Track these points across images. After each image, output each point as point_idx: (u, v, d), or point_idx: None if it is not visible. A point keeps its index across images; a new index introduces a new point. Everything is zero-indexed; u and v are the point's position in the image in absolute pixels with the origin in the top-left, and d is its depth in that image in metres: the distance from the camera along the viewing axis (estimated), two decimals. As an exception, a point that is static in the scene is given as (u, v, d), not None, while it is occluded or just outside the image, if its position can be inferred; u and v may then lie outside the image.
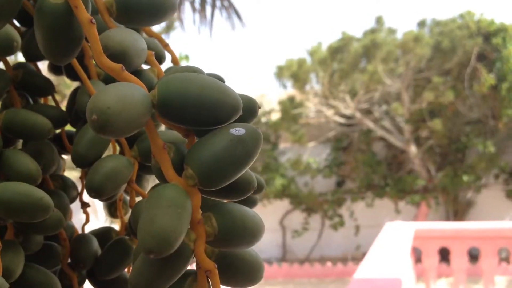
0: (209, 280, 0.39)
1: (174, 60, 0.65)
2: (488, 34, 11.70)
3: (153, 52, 0.47)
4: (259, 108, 0.44)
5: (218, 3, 6.05)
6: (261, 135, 0.39)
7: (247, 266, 0.42)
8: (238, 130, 0.38)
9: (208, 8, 6.02)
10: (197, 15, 6.05)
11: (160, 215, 0.35)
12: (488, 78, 11.25)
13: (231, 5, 6.09)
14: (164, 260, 0.37)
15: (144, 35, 0.64)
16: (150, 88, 0.40)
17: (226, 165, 0.37)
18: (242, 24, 6.25)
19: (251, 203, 0.55)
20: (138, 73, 0.45)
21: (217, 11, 6.06)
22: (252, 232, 0.40)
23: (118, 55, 0.40)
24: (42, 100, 0.64)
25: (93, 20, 0.39)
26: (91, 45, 0.39)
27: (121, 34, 0.41)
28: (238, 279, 0.42)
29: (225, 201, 0.42)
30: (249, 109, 0.43)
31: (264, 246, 13.03)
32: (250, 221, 0.40)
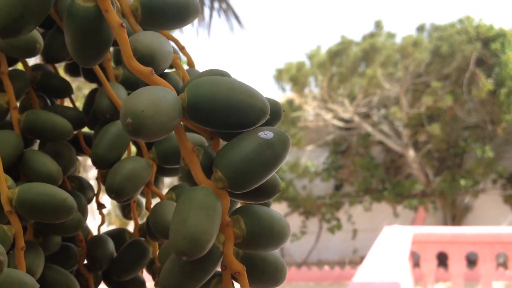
0: (237, 281, 0.39)
1: (190, 63, 0.65)
2: (487, 39, 11.73)
3: (178, 56, 0.48)
4: (284, 111, 0.45)
5: (216, 5, 6.06)
6: (289, 138, 0.39)
7: (271, 268, 0.43)
8: (267, 134, 0.38)
9: (206, 10, 6.03)
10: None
11: (192, 217, 0.35)
12: (487, 83, 11.28)
13: (229, 7, 6.10)
14: (194, 262, 0.37)
15: (168, 41, 0.65)
16: (176, 91, 0.40)
17: (255, 168, 0.38)
18: (241, 26, 6.26)
19: (266, 206, 0.56)
20: (164, 76, 0.45)
21: (215, 13, 6.07)
22: (279, 234, 0.40)
23: (147, 58, 0.41)
24: (58, 102, 0.65)
25: (124, 24, 0.39)
26: (121, 49, 0.39)
27: (149, 38, 0.42)
28: (262, 281, 0.43)
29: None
30: (275, 112, 0.43)
31: (261, 249, 12.99)
32: (277, 223, 0.40)
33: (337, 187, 13.24)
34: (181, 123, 0.38)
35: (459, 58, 11.68)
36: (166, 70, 0.54)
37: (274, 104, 0.43)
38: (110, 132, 0.56)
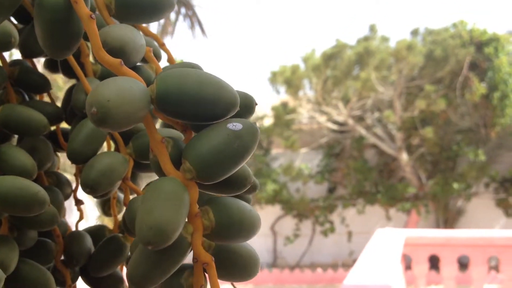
0: (206, 273, 0.39)
1: (170, 60, 0.65)
2: (480, 43, 11.79)
3: (151, 48, 0.48)
4: (256, 104, 0.45)
5: (182, 11, 6.09)
6: (258, 130, 0.39)
7: (243, 260, 0.43)
8: (235, 125, 0.38)
9: (172, 15, 6.05)
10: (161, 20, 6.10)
11: (158, 207, 0.35)
12: (480, 87, 11.34)
13: (194, 14, 6.12)
14: (161, 252, 0.37)
15: (141, 34, 0.65)
16: (148, 83, 0.40)
17: (223, 159, 0.38)
18: (204, 35, 6.29)
19: (245, 201, 0.55)
20: (136, 68, 0.45)
21: (180, 18, 6.09)
22: (248, 226, 0.40)
23: (117, 50, 0.41)
24: (37, 97, 0.65)
25: (93, 16, 0.39)
26: (91, 40, 0.39)
27: (120, 30, 0.42)
28: (234, 274, 0.42)
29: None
30: (246, 105, 0.43)
31: (255, 252, 12.99)
32: (247, 215, 0.40)
33: (331, 190, 13.25)
34: (150, 114, 0.38)
35: (453, 62, 11.73)
36: (141, 64, 0.54)
37: (245, 97, 0.43)
38: (86, 126, 0.56)
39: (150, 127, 0.39)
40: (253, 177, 0.45)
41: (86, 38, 0.46)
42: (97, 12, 0.47)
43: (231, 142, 0.38)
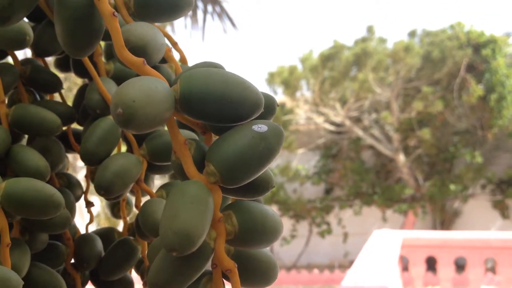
0: (228, 279, 0.38)
1: (183, 59, 0.64)
2: (478, 45, 11.81)
3: (171, 48, 0.47)
4: (278, 105, 0.44)
5: (209, 9, 6.07)
6: (283, 132, 0.38)
7: (263, 266, 0.42)
8: (261, 127, 0.37)
9: (200, 13, 6.03)
10: (188, 20, 6.07)
11: (183, 212, 0.34)
12: (477, 89, 11.36)
13: (223, 10, 6.10)
14: (184, 259, 0.36)
15: (161, 33, 0.64)
16: (169, 83, 0.39)
17: (248, 162, 0.37)
18: (235, 28, 6.27)
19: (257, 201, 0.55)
20: (156, 68, 0.44)
21: (209, 16, 6.07)
22: (271, 231, 0.39)
23: (139, 49, 0.40)
24: (48, 97, 0.63)
25: (115, 13, 0.38)
26: (113, 38, 0.38)
27: (142, 29, 0.41)
28: (253, 279, 0.41)
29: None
30: (269, 106, 0.42)
31: (251, 252, 12.99)
32: (270, 220, 0.39)
33: (328, 191, 13.26)
34: (173, 115, 0.37)
35: (450, 64, 11.75)
36: (160, 64, 0.53)
37: (268, 98, 0.43)
38: (100, 127, 0.55)
39: (173, 129, 0.38)
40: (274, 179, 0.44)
41: (104, 37, 0.46)
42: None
43: (256, 145, 0.37)
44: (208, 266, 0.40)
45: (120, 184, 0.53)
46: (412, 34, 12.90)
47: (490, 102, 11.36)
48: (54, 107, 0.57)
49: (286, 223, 13.27)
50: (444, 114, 11.94)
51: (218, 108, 0.37)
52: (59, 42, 0.41)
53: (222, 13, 5.89)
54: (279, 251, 13.31)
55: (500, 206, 12.43)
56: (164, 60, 0.50)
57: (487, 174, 12.20)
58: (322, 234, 12.87)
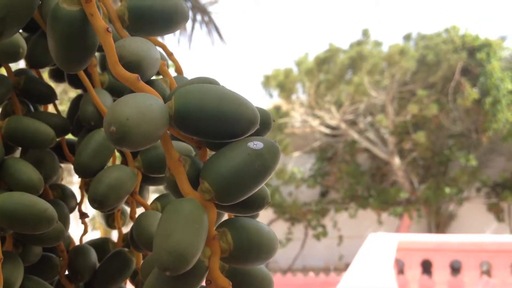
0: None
1: (178, 70, 0.64)
2: (473, 49, 11.85)
3: (166, 62, 0.46)
4: (274, 121, 0.44)
5: (198, 18, 6.06)
6: (279, 149, 0.38)
7: (258, 283, 0.41)
8: (256, 144, 0.37)
9: (188, 22, 6.03)
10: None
11: (177, 231, 0.34)
12: (472, 92, 11.39)
13: (211, 20, 6.09)
14: (178, 277, 0.35)
15: (155, 47, 0.63)
16: (163, 98, 0.39)
17: (243, 180, 0.36)
18: (222, 40, 6.26)
19: (253, 217, 0.54)
20: (150, 83, 0.44)
21: (197, 25, 6.06)
22: (267, 248, 0.39)
23: (133, 65, 0.39)
24: (42, 108, 0.63)
25: (109, 29, 0.38)
26: (107, 54, 0.38)
27: (136, 44, 0.40)
28: None
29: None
30: (264, 122, 0.42)
31: (246, 256, 12.98)
32: (266, 237, 0.39)
33: (323, 194, 13.26)
34: (168, 132, 0.37)
35: (445, 67, 11.78)
36: (153, 77, 0.52)
37: (264, 113, 0.42)
38: (94, 139, 0.54)
39: (167, 145, 0.37)
40: (269, 195, 0.44)
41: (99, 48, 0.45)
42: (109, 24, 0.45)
43: (252, 162, 0.36)
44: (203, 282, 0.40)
45: (114, 197, 0.52)
46: (407, 37, 12.93)
47: (484, 105, 11.39)
48: (48, 119, 0.57)
49: (282, 226, 13.26)
50: (439, 117, 11.97)
51: (213, 124, 0.37)
52: (52, 57, 0.41)
53: (210, 24, 5.89)
54: (275, 254, 13.30)
55: (495, 209, 12.46)
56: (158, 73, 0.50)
57: (482, 177, 12.23)
58: (317, 237, 12.86)
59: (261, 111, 0.42)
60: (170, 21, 0.45)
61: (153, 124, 0.34)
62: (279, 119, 12.44)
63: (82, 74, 0.57)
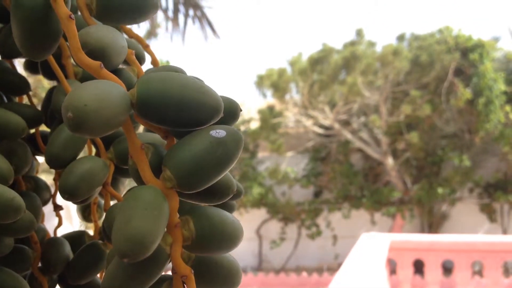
0: (185, 285, 0.38)
1: (154, 62, 0.64)
2: (466, 49, 11.89)
3: (133, 51, 0.46)
4: (241, 111, 0.43)
5: (191, 13, 6.04)
6: (242, 137, 0.38)
7: (225, 272, 0.41)
8: (219, 132, 0.37)
9: (181, 17, 6.01)
10: (169, 23, 6.04)
11: (136, 218, 0.33)
12: (465, 93, 11.42)
13: (204, 15, 6.08)
14: (138, 264, 0.35)
15: (124, 36, 0.63)
16: (129, 87, 0.39)
17: (205, 168, 0.36)
18: (216, 35, 6.24)
19: (229, 208, 0.54)
20: (117, 72, 0.44)
21: (190, 21, 6.04)
22: (231, 237, 0.39)
23: (97, 52, 0.39)
24: (17, 99, 0.63)
25: (72, 16, 0.38)
26: (69, 41, 0.37)
27: (101, 31, 0.40)
28: (215, 285, 0.41)
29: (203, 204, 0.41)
30: (231, 111, 0.42)
31: (240, 255, 12.98)
32: (229, 226, 0.39)
33: (317, 194, 13.27)
34: (129, 119, 0.37)
35: (438, 68, 11.82)
36: (123, 67, 0.52)
37: (230, 103, 0.42)
38: (66, 130, 0.54)
39: (129, 133, 0.37)
40: (236, 185, 0.44)
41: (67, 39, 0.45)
42: (78, 13, 0.45)
43: (214, 150, 0.36)
44: (169, 272, 0.40)
45: (85, 188, 0.52)
46: (400, 38, 12.96)
47: (478, 106, 11.43)
48: (20, 110, 0.56)
49: (275, 226, 13.26)
50: (432, 117, 12.00)
51: (176, 112, 0.37)
52: (16, 44, 0.40)
53: (203, 19, 5.87)
54: (268, 253, 13.30)
55: (487, 210, 12.50)
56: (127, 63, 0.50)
57: (474, 177, 12.27)
58: (311, 237, 12.87)
59: (228, 100, 0.42)
60: (139, 10, 0.45)
61: (112, 110, 0.34)
62: (272, 119, 12.44)
63: (55, 65, 0.56)
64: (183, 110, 0.37)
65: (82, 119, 0.33)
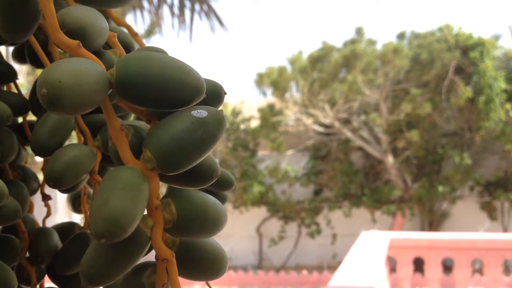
0: (167, 269, 0.37)
1: (143, 50, 0.63)
2: (466, 47, 11.87)
3: (116, 34, 0.45)
4: (225, 93, 0.43)
5: (197, 7, 6.02)
6: (225, 118, 0.37)
7: (210, 258, 0.40)
8: (200, 112, 0.36)
9: (187, 13, 5.98)
10: (176, 20, 6.02)
11: (113, 198, 0.33)
12: (465, 91, 11.41)
13: (210, 9, 6.06)
14: (118, 247, 0.35)
15: (113, 23, 0.62)
16: (109, 68, 0.38)
17: (186, 148, 0.35)
18: (224, 28, 6.22)
19: (220, 199, 0.53)
20: (98, 54, 0.43)
21: (196, 16, 6.02)
22: (213, 220, 0.38)
23: (76, 32, 0.38)
24: (5, 88, 0.62)
25: (50, -6, 0.37)
26: (47, 21, 0.37)
27: (81, 12, 0.39)
28: (200, 271, 0.40)
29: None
30: (215, 93, 0.41)
31: (240, 254, 12.98)
32: (212, 209, 0.38)
33: (317, 192, 13.25)
34: (108, 99, 0.36)
35: (438, 66, 11.80)
36: (105, 50, 0.51)
37: (214, 85, 0.41)
38: (52, 117, 0.53)
39: (109, 114, 0.36)
40: (226, 177, 0.43)
41: None
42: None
43: (195, 130, 0.35)
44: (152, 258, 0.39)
45: (70, 175, 0.51)
46: (401, 36, 12.93)
47: (478, 104, 11.42)
48: (5, 97, 0.56)
49: (275, 224, 13.26)
50: (432, 116, 11.98)
51: (156, 92, 0.36)
52: None
53: (210, 12, 5.85)
54: (268, 252, 13.30)
55: (488, 208, 12.49)
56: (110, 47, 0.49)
57: (475, 175, 12.25)
58: (311, 235, 12.87)
59: (212, 82, 0.41)
60: None
61: (88, 88, 0.33)
62: (272, 118, 12.43)
63: (41, 52, 0.56)
64: (163, 90, 0.36)
65: (57, 95, 0.32)
